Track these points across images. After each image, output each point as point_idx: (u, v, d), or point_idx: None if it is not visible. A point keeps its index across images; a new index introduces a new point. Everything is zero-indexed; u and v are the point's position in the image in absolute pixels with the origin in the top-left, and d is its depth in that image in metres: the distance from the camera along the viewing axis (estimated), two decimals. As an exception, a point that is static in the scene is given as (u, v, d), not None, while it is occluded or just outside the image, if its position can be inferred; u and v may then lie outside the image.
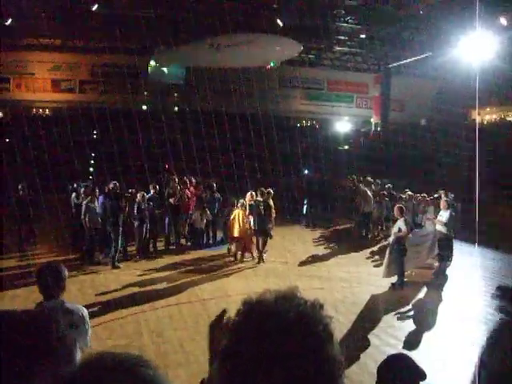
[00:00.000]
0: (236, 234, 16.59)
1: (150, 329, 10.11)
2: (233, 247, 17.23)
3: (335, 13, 28.01)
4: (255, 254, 16.87)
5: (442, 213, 15.97)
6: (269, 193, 17.45)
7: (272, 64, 22.96)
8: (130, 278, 14.00)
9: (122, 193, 16.61)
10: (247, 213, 16.70)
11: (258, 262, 16.48)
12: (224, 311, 2.33)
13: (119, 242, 15.53)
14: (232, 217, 16.77)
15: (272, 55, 21.93)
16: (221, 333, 2.33)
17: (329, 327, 1.47)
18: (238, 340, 1.46)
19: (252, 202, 16.75)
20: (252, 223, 16.56)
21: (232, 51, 21.14)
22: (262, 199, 16.93)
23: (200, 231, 18.64)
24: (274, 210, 17.17)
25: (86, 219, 15.40)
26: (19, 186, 17.63)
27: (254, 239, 16.76)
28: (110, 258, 15.42)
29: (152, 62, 32.28)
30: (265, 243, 16.69)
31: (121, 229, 15.59)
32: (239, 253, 16.88)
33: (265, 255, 16.80)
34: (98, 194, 16.45)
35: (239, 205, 16.83)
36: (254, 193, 17.15)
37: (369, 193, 21.04)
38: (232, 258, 17.01)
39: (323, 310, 1.51)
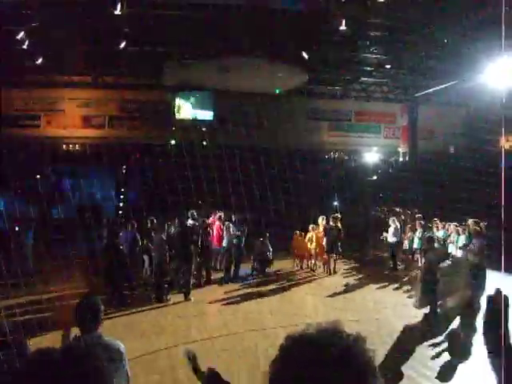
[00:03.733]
0: (312, 250, 20.61)
1: (184, 363, 10.07)
2: (298, 261, 21.42)
3: (360, 44, 28.11)
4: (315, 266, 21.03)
5: (473, 241, 15.83)
6: (337, 218, 20.69)
7: (277, 91, 23.09)
8: (162, 313, 14.04)
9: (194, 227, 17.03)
10: (321, 234, 20.41)
11: (330, 274, 20.02)
12: (192, 357, 2.34)
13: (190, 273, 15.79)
14: (307, 238, 20.72)
15: (277, 82, 22.05)
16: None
17: (372, 360, 1.50)
18: (282, 375, 1.50)
19: (327, 227, 20.48)
20: (325, 243, 20.10)
21: (240, 74, 21.25)
22: (334, 224, 20.32)
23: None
24: (341, 232, 20.47)
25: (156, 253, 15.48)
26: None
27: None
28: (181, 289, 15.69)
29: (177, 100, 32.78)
30: (335, 260, 20.43)
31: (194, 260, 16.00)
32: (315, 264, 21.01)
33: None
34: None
35: (311, 228, 20.84)
36: (325, 218, 21.21)
37: (393, 224, 20.88)
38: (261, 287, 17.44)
39: (365, 343, 1.55)
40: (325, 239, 20.36)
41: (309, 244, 20.73)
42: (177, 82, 23.65)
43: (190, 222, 17.57)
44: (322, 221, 21.39)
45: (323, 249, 20.39)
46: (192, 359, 2.60)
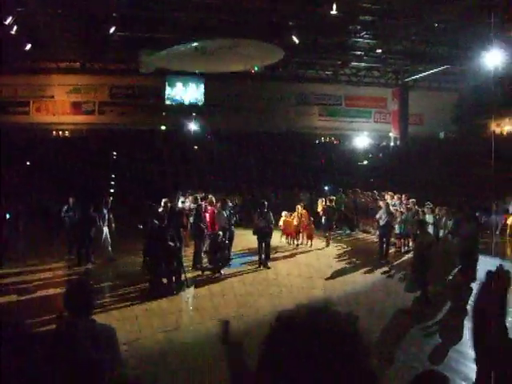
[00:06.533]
0: (297, 228, 22.52)
1: (175, 349, 10.08)
2: (286, 239, 23.06)
3: (351, 28, 28.05)
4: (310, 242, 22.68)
5: (465, 225, 15.90)
6: (332, 199, 24.67)
7: (256, 68, 23.10)
8: (152, 297, 13.96)
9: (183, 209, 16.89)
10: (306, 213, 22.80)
11: (327, 246, 22.59)
12: (226, 322, 2.35)
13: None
14: (293, 216, 22.53)
15: (254, 60, 21.96)
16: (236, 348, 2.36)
17: (363, 340, 1.47)
18: (273, 355, 1.47)
19: (325, 206, 23.92)
20: (323, 221, 23.61)
21: (217, 55, 21.07)
22: (330, 204, 23.93)
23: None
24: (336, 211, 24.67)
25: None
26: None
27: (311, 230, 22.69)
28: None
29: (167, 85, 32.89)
30: (330, 235, 23.35)
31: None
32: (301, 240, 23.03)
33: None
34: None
35: (298, 207, 22.81)
36: (324, 199, 24.91)
37: (382, 207, 20.98)
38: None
39: (358, 322, 1.51)
40: (323, 218, 23.77)
41: (295, 222, 22.47)
42: (153, 68, 23.43)
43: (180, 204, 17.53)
44: (321, 202, 25.10)
45: (309, 225, 22.68)
46: (224, 330, 2.59)
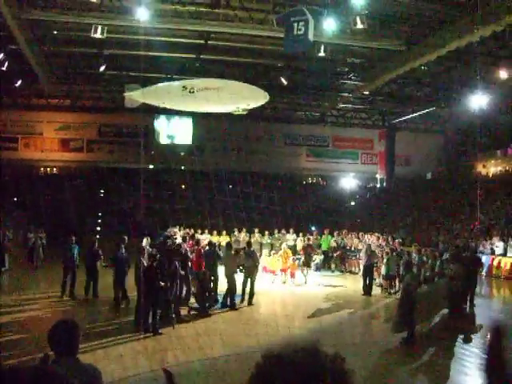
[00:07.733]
0: (283, 266, 23.06)
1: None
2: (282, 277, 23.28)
3: (339, 70, 28.38)
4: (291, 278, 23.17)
5: (451, 266, 15.93)
6: (310, 238, 26.37)
7: (240, 111, 23.22)
8: (137, 336, 13.81)
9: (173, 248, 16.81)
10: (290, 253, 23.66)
11: (305, 283, 23.01)
12: (167, 372, 2.33)
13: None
14: (279, 254, 23.47)
15: (240, 102, 22.00)
16: None
17: (351, 380, 1.49)
18: None
19: (305, 245, 25.09)
20: (303, 258, 24.03)
21: (204, 95, 21.08)
22: (309, 243, 25.34)
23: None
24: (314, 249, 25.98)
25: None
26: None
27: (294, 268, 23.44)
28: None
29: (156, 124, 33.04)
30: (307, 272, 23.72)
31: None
32: (286, 278, 23.13)
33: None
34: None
35: (283, 246, 23.98)
36: (304, 238, 26.84)
37: (364, 247, 21.45)
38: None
39: (345, 363, 1.52)
40: (302, 257, 24.32)
41: (280, 260, 23.28)
42: (138, 103, 23.44)
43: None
44: (300, 241, 26.89)
45: (293, 264, 23.47)
46: (168, 379, 2.53)
